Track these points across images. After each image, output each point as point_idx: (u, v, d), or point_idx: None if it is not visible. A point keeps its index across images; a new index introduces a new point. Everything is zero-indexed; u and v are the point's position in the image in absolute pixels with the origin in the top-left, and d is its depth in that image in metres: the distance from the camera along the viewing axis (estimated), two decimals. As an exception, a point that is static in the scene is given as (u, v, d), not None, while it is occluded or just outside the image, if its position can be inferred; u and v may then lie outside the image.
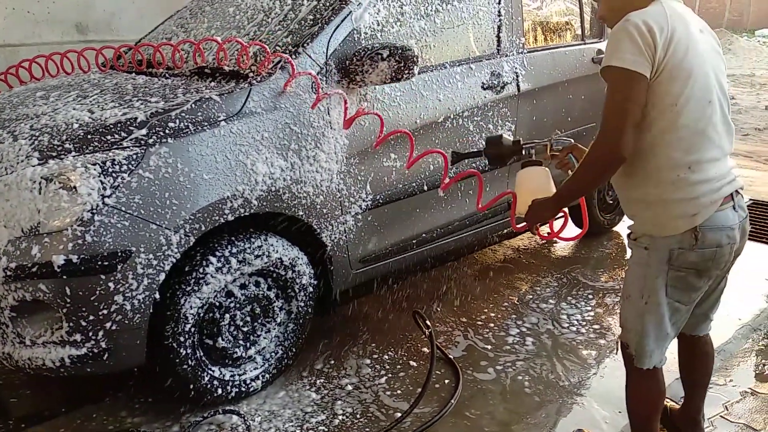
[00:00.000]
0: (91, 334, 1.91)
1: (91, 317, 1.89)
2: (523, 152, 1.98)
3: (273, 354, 2.39)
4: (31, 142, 2.03)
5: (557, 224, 2.01)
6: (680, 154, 1.61)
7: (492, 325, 2.90)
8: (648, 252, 1.71)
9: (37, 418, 2.24)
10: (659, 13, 1.59)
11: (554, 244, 3.91)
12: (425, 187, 2.71)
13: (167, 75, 2.50)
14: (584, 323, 2.91)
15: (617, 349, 2.33)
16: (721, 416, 2.26)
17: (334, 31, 2.37)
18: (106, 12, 4.27)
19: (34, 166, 1.92)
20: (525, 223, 1.87)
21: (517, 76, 3.03)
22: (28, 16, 3.96)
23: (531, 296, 3.19)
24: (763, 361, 2.63)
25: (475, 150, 2.19)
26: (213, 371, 2.22)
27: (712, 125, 1.63)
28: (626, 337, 1.82)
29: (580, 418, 2.27)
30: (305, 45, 2.32)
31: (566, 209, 1.89)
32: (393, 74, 2.31)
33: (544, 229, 1.98)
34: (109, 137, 1.98)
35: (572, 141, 1.96)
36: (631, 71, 1.54)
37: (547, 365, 2.58)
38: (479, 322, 2.92)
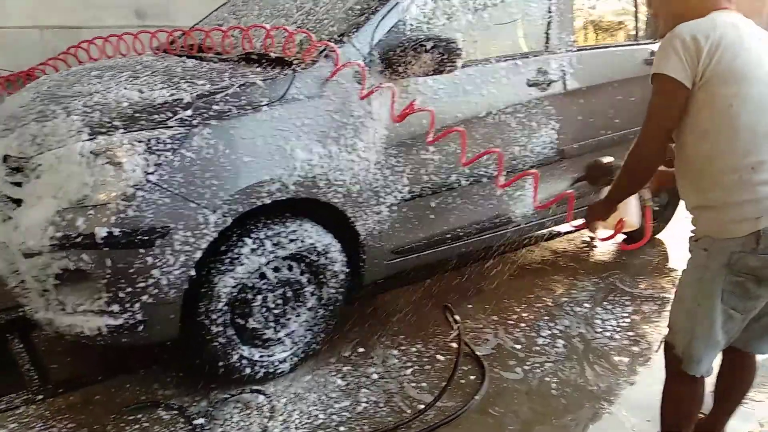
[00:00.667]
0: (128, 305, 1.98)
1: (129, 289, 1.96)
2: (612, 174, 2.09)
3: (302, 338, 2.42)
4: (83, 118, 2.11)
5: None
6: (739, 157, 1.59)
7: (523, 325, 2.86)
8: (707, 254, 1.68)
9: (74, 384, 2.33)
10: (708, 23, 1.61)
11: (593, 249, 3.83)
12: (463, 182, 2.69)
13: (216, 60, 2.56)
14: (618, 329, 2.85)
15: (660, 349, 2.26)
16: (754, 433, 2.19)
17: (380, 21, 2.38)
18: (164, -2, 4.41)
19: (84, 141, 2.00)
20: (584, 222, 2.02)
21: (565, 74, 2.97)
22: (90, 0, 4.11)
23: (566, 299, 3.13)
24: (807, 381, 2.52)
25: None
26: (243, 350, 2.27)
27: None
28: (673, 338, 1.78)
29: (607, 424, 2.23)
30: (350, 34, 2.34)
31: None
32: (436, 66, 2.31)
33: (602, 232, 2.06)
34: (155, 116, 2.04)
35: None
36: (674, 80, 1.60)
37: (576, 369, 2.53)
38: (510, 322, 2.89)
